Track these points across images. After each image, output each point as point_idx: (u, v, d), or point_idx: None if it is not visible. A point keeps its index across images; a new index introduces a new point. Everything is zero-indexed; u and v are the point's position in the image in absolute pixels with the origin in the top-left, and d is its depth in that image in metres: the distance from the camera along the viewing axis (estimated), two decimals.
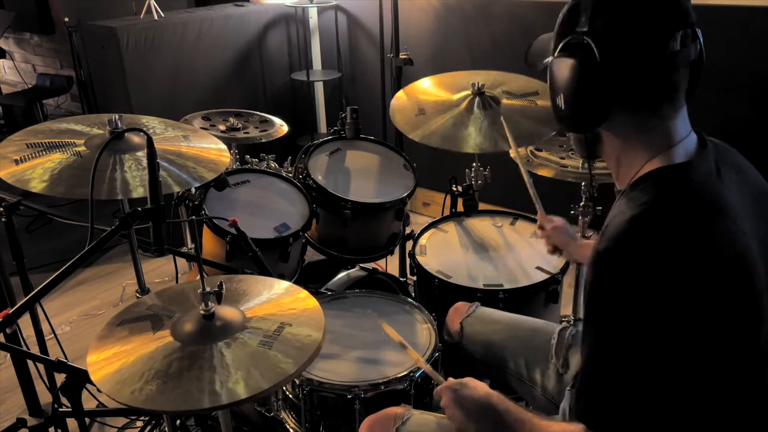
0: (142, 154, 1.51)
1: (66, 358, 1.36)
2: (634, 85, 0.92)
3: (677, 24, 0.91)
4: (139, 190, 1.42)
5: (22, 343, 1.71)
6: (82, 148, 1.53)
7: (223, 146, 1.71)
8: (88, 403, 1.66)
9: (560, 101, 0.97)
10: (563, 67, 0.95)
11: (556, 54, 0.98)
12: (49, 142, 1.53)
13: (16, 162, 1.45)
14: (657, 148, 0.96)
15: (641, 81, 0.92)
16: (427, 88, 2.21)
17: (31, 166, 1.44)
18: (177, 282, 2.33)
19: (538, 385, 1.45)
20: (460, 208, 2.17)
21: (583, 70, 0.92)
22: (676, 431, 0.89)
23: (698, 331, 0.85)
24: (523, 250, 1.96)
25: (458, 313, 1.62)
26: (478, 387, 1.12)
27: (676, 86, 0.94)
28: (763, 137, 2.52)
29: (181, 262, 2.53)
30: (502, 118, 1.79)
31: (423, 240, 2.03)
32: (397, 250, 2.29)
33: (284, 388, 1.57)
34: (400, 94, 2.20)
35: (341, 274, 2.22)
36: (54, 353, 1.58)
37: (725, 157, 1.00)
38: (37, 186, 1.39)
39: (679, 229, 0.86)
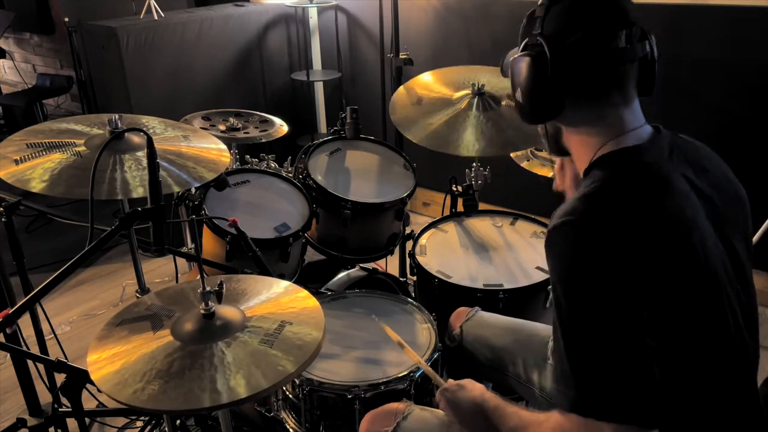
0: (142, 154, 1.51)
1: (66, 358, 1.36)
2: (583, 77, 1.01)
3: (619, 24, 1.00)
4: (139, 190, 1.42)
5: (22, 343, 1.71)
6: (82, 148, 1.53)
7: (223, 146, 1.71)
8: (88, 403, 1.66)
9: (519, 95, 1.07)
10: (520, 65, 1.05)
11: (516, 54, 1.07)
12: (49, 142, 1.53)
13: (16, 162, 1.45)
14: (610, 135, 1.04)
15: (589, 73, 1.01)
16: (428, 82, 2.20)
17: (31, 166, 1.44)
18: (177, 282, 2.33)
19: (536, 386, 1.45)
20: (460, 208, 2.17)
21: (536, 65, 1.02)
22: (653, 397, 0.91)
23: (649, 293, 0.90)
24: (523, 250, 1.96)
25: (459, 317, 1.63)
26: (473, 389, 1.18)
27: (623, 78, 1.02)
28: (763, 137, 2.52)
29: (181, 262, 2.53)
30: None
31: (423, 240, 2.03)
32: (397, 250, 2.29)
33: (284, 388, 1.57)
34: (401, 90, 2.20)
35: (341, 274, 2.22)
36: (54, 353, 1.58)
37: (686, 148, 1.07)
38: (37, 186, 1.39)
39: (626, 201, 0.95)
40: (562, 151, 1.14)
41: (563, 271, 0.93)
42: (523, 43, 1.06)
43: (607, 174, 0.99)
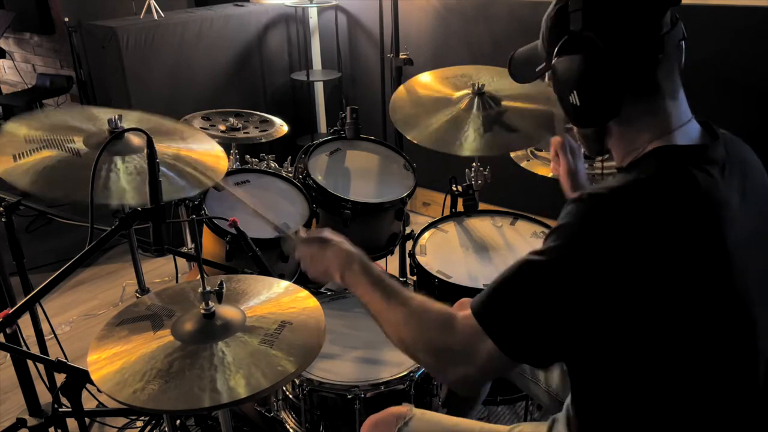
0: (141, 156, 1.51)
1: (66, 358, 1.36)
2: (638, 67, 0.95)
3: (665, 3, 0.95)
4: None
5: (22, 343, 1.70)
6: (81, 147, 1.53)
7: (219, 148, 1.71)
8: (88, 403, 1.66)
9: (574, 98, 1.00)
10: (571, 65, 0.98)
11: (555, 56, 1.00)
12: (48, 142, 1.53)
13: (15, 158, 1.45)
14: (660, 131, 0.98)
15: (644, 62, 0.95)
16: (428, 82, 2.20)
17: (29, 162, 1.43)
18: (177, 282, 2.33)
19: (541, 382, 1.44)
20: (460, 208, 2.17)
21: (592, 61, 0.95)
22: (650, 387, 0.91)
23: (669, 290, 0.86)
24: (523, 250, 1.94)
25: (463, 308, 1.61)
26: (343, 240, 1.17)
27: (672, 65, 0.98)
28: (764, 137, 2.52)
29: (181, 262, 2.53)
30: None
31: (423, 240, 2.03)
32: (397, 250, 2.28)
33: (284, 388, 1.57)
34: (401, 89, 2.20)
35: None
36: (54, 353, 1.58)
37: (736, 154, 1.02)
38: (31, 187, 1.38)
39: (663, 200, 0.88)
40: (603, 151, 1.08)
41: (567, 233, 0.89)
42: (561, 42, 0.99)
43: (650, 173, 0.92)
